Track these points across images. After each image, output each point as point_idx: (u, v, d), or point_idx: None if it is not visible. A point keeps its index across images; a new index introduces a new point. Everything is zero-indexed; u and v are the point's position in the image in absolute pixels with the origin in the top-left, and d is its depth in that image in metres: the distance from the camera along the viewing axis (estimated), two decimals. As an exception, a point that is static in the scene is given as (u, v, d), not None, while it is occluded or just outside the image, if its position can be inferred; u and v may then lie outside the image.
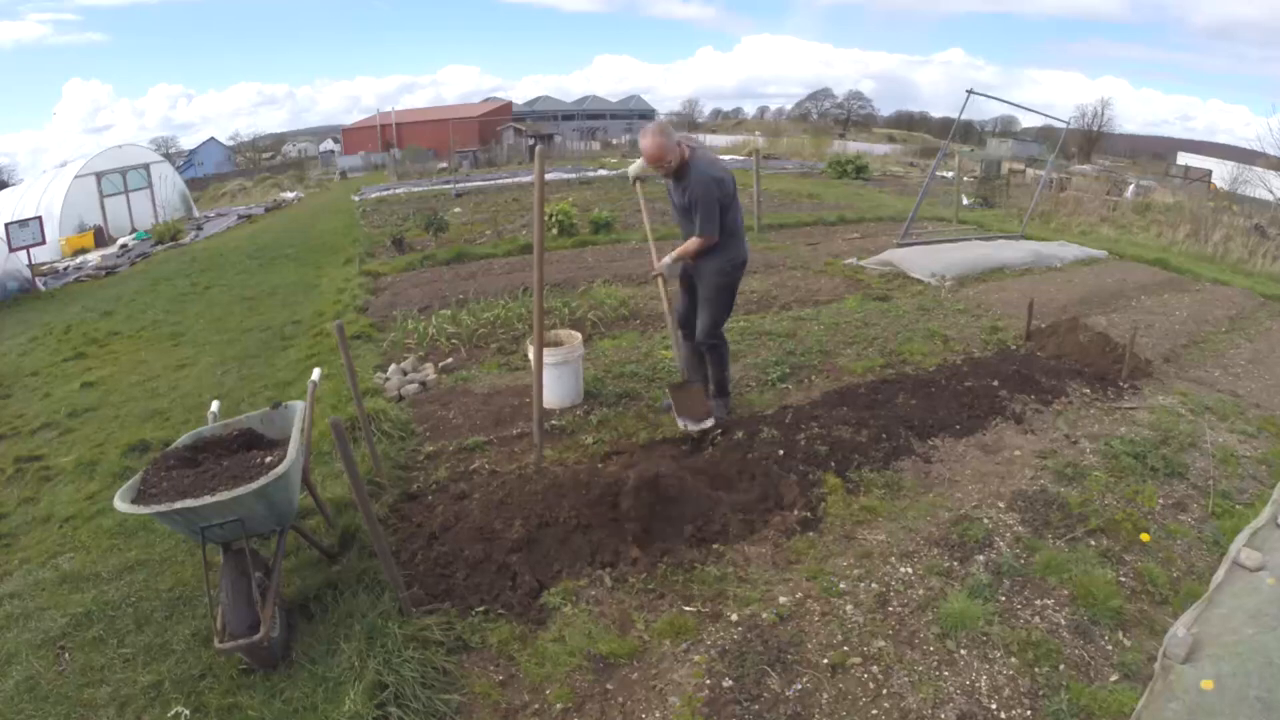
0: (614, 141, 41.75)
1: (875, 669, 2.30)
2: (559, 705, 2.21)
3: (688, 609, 2.60)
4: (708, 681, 2.25)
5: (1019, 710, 2.13)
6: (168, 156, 29.52)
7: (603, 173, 22.56)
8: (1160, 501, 3.25)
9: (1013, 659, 2.31)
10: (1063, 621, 2.48)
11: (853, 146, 34.09)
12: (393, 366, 5.11)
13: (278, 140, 58.77)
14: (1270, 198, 18.11)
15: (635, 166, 4.00)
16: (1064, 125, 11.34)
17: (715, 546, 2.93)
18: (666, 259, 3.79)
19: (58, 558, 3.21)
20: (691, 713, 2.14)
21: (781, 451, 3.55)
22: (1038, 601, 2.58)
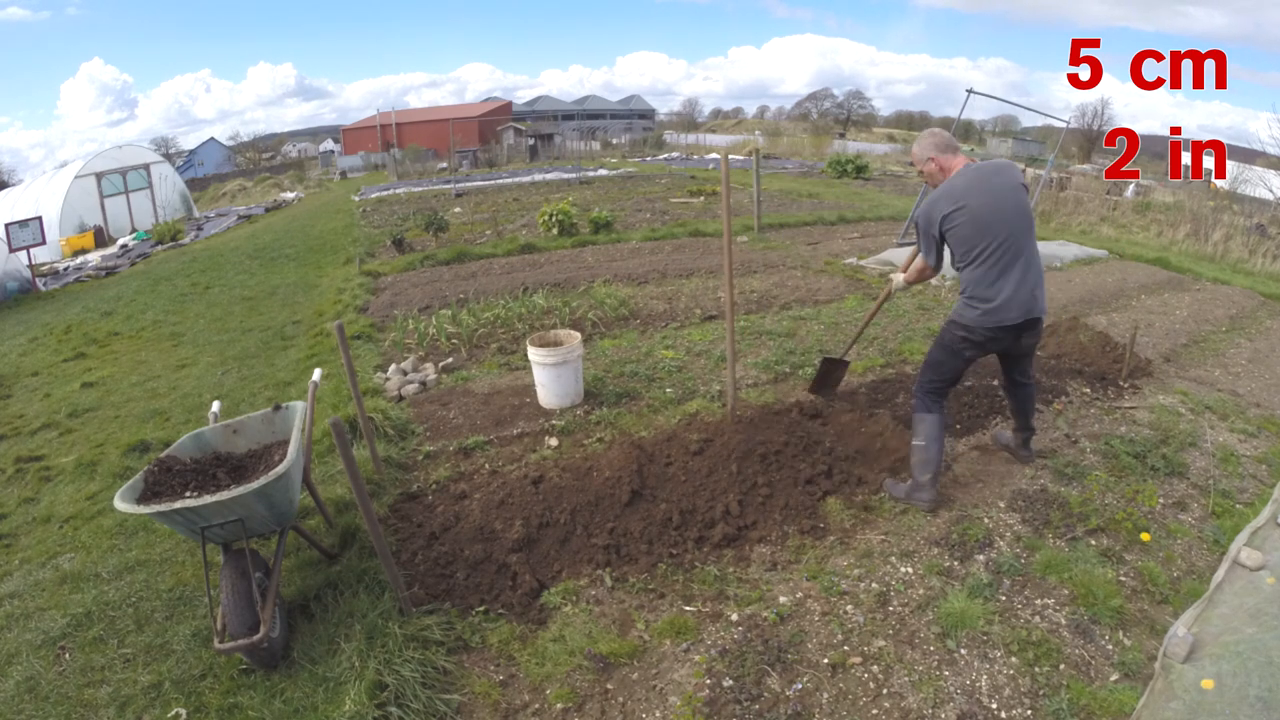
0: (614, 141, 41.78)
1: (875, 668, 2.30)
2: (559, 705, 2.21)
3: (688, 609, 2.60)
4: (708, 681, 2.25)
5: (1019, 710, 2.13)
6: (168, 157, 29.57)
7: (603, 172, 22.60)
8: (1160, 501, 3.25)
9: (1013, 658, 2.31)
10: (1063, 621, 2.48)
11: (853, 146, 34.13)
12: (393, 366, 5.11)
13: (278, 140, 58.78)
14: (1270, 197, 18.09)
15: None
16: (1064, 125, 11.34)
17: (717, 543, 2.94)
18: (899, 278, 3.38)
19: (58, 558, 3.21)
20: (692, 712, 2.14)
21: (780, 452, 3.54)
22: (1038, 601, 2.58)
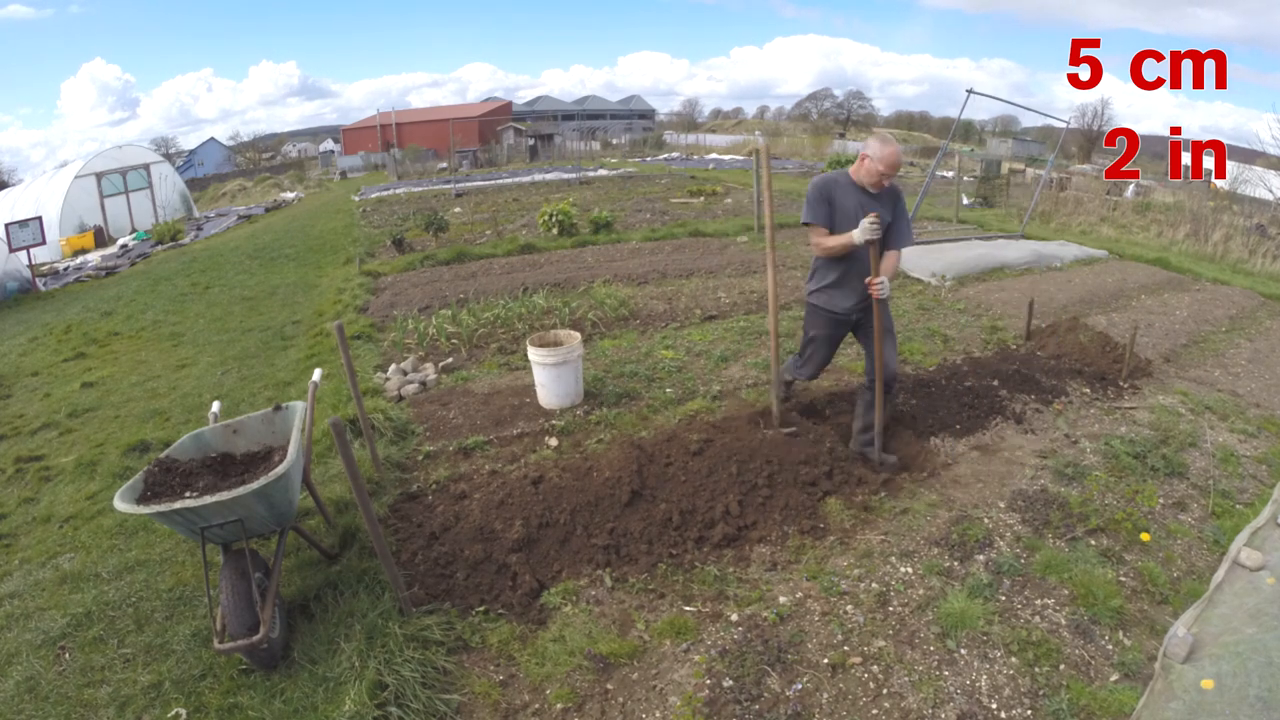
0: (614, 141, 41.80)
1: (875, 669, 2.30)
2: (559, 705, 2.21)
3: (688, 609, 2.60)
4: (708, 681, 2.25)
5: (1019, 710, 2.13)
6: (168, 156, 29.57)
7: (603, 172, 22.59)
8: (1160, 501, 3.25)
9: (1013, 659, 2.31)
10: (1063, 621, 2.48)
11: (853, 146, 34.09)
12: (393, 366, 5.11)
13: (278, 140, 58.76)
14: (1270, 197, 18.09)
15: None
16: (1064, 125, 11.33)
17: (717, 543, 2.94)
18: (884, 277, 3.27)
19: (58, 558, 3.21)
20: (692, 712, 2.14)
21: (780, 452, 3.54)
22: (1038, 601, 2.58)
